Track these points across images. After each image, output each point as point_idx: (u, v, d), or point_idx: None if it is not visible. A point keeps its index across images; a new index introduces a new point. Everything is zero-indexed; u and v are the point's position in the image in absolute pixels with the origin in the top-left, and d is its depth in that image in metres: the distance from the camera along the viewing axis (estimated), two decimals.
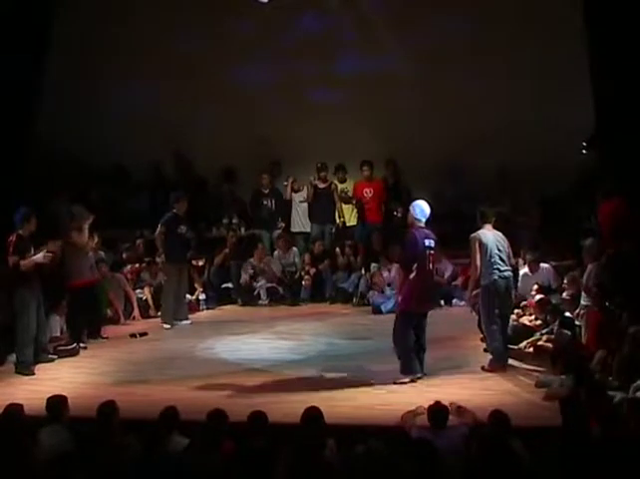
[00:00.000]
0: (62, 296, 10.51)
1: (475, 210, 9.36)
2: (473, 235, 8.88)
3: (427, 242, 8.52)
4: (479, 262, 8.77)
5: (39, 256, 9.50)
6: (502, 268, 8.78)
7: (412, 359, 8.50)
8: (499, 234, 8.94)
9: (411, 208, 8.75)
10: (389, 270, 12.23)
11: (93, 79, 13.83)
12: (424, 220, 8.66)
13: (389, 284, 12.07)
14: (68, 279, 10.51)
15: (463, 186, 13.24)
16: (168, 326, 11.31)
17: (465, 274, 11.71)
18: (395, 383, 8.38)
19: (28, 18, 12.40)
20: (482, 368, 8.86)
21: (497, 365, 8.84)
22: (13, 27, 12.24)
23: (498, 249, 8.79)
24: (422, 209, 8.68)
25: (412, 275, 8.44)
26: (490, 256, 8.74)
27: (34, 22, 12.57)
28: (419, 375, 8.49)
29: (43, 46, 12.96)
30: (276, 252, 12.99)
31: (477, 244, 8.78)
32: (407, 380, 8.42)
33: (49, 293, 10.01)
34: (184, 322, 11.54)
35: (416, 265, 8.44)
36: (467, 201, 12.56)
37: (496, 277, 8.74)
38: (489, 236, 8.84)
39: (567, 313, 9.35)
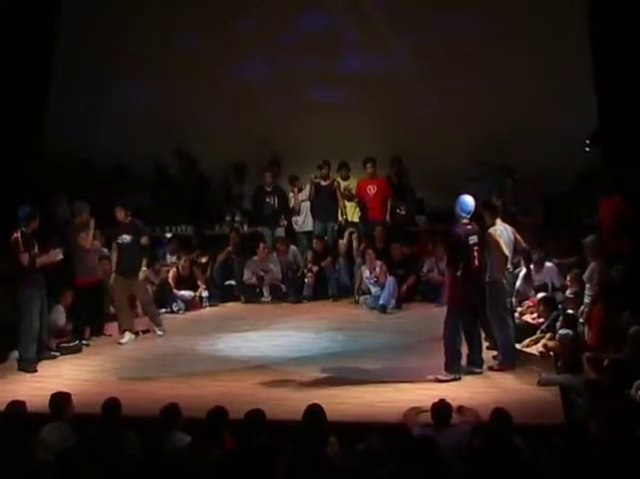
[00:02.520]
0: (66, 287, 10.56)
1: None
2: (490, 230, 8.75)
3: (471, 239, 8.48)
4: (507, 252, 8.69)
5: (53, 253, 9.68)
6: (508, 265, 8.83)
7: (457, 359, 8.50)
8: (509, 227, 8.91)
9: (456, 202, 8.63)
10: (373, 269, 12.08)
11: (93, 77, 13.83)
12: (468, 215, 8.57)
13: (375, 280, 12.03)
14: (73, 278, 10.54)
15: (465, 184, 13.19)
16: (161, 333, 10.79)
17: None
18: (437, 380, 8.38)
19: (31, 19, 12.44)
20: (491, 368, 8.82)
21: (507, 364, 8.80)
22: (17, 27, 12.28)
23: (510, 245, 8.79)
24: (466, 203, 8.59)
25: (459, 274, 8.41)
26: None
27: (38, 22, 12.61)
28: (458, 376, 8.44)
29: (48, 46, 13.00)
30: (274, 254, 12.94)
31: (500, 240, 8.64)
32: (448, 378, 8.38)
33: (53, 286, 10.04)
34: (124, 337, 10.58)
35: (461, 264, 8.42)
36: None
37: (505, 273, 8.79)
38: (504, 231, 8.80)
39: (570, 311, 9.36)
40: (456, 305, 8.52)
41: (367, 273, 12.10)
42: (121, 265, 10.69)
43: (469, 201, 8.60)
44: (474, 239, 8.51)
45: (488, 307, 8.82)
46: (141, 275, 10.74)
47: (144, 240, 10.76)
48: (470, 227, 8.56)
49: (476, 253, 8.52)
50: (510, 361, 8.81)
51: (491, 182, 12.53)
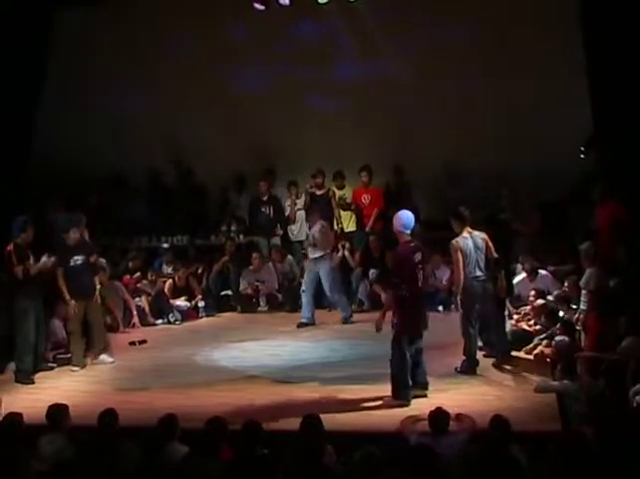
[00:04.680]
0: (61, 300, 10.49)
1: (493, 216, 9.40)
2: (452, 242, 8.85)
3: (415, 258, 8.24)
4: (462, 270, 8.76)
5: (44, 261, 9.61)
6: (477, 274, 8.81)
7: (406, 386, 8.17)
8: (479, 234, 8.91)
9: (395, 218, 8.44)
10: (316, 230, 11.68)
11: (91, 88, 13.87)
12: (408, 230, 8.34)
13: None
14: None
15: (463, 191, 13.20)
16: (77, 369, 9.94)
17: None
18: (383, 403, 8.14)
19: (27, 25, 12.48)
20: (456, 369, 8.93)
21: (469, 369, 8.91)
22: (12, 34, 12.31)
23: (477, 254, 8.81)
24: (407, 218, 8.37)
25: (404, 295, 8.17)
26: (469, 263, 8.78)
27: (33, 30, 12.65)
28: (407, 403, 8.07)
29: (42, 53, 13.04)
30: (270, 264, 12.96)
31: (458, 253, 8.74)
32: (395, 404, 8.06)
33: (48, 299, 10.04)
34: (105, 358, 10.21)
35: (406, 285, 8.19)
36: (467, 206, 12.51)
37: (471, 281, 8.79)
38: (469, 241, 8.83)
39: (562, 313, 9.43)
40: (403, 331, 8.20)
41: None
42: (75, 289, 10.00)
43: (410, 217, 8.40)
44: (417, 257, 8.26)
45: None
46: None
47: (93, 259, 10.24)
48: (413, 244, 8.34)
49: (419, 272, 8.27)
50: (469, 369, 8.91)
51: (481, 187, 12.59)
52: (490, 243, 8.93)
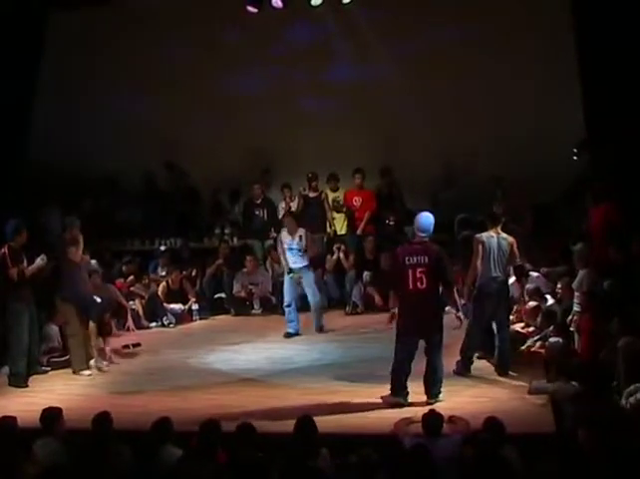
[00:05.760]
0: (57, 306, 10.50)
1: (470, 217, 9.37)
2: (477, 236, 8.90)
3: (410, 260, 8.01)
4: (479, 265, 8.80)
5: (38, 262, 9.57)
6: (494, 274, 8.80)
7: (400, 386, 8.17)
8: (506, 237, 8.93)
9: (415, 219, 8.37)
10: (300, 237, 11.19)
11: (85, 90, 13.87)
12: (423, 233, 8.19)
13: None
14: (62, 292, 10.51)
15: (457, 194, 13.23)
16: (89, 372, 9.84)
17: (459, 281, 11.68)
18: (381, 398, 8.20)
19: (25, 26, 12.51)
20: (453, 371, 8.89)
21: (463, 369, 8.92)
22: (11, 34, 12.34)
23: (500, 254, 8.82)
24: (423, 220, 8.27)
25: (398, 295, 8.25)
26: (489, 260, 8.79)
27: (31, 31, 12.68)
28: (402, 401, 8.09)
29: (40, 54, 13.07)
30: (268, 263, 12.98)
31: (479, 247, 8.78)
32: (391, 401, 8.11)
33: (44, 304, 10.02)
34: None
35: (396, 285, 8.25)
36: (461, 209, 12.54)
37: (488, 281, 8.80)
38: (493, 240, 8.84)
39: (533, 303, 9.59)
40: (399, 329, 8.21)
41: (287, 238, 11.21)
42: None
43: (425, 219, 8.28)
44: (416, 259, 8.02)
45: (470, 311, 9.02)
46: None
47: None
48: (417, 246, 8.13)
49: (419, 274, 7.98)
50: (464, 369, 8.93)
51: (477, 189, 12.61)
52: (516, 249, 8.93)
